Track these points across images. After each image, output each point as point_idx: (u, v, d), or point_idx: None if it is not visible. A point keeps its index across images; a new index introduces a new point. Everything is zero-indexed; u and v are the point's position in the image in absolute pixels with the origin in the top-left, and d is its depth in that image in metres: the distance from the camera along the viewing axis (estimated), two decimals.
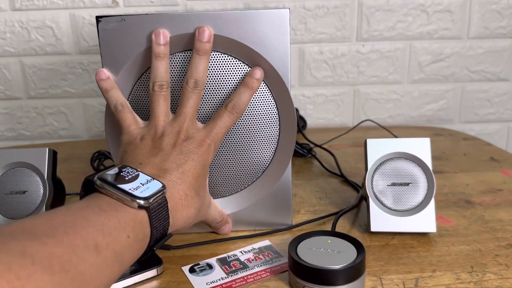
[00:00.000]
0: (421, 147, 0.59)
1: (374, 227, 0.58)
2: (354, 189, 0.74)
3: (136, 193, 0.41)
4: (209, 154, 0.51)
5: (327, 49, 1.06)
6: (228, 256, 0.55)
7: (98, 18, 0.53)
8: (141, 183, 0.42)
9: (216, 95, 0.56)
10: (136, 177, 0.43)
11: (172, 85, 0.55)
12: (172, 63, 0.55)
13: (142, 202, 0.41)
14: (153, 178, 0.44)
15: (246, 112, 0.56)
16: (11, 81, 1.06)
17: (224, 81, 0.55)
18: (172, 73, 0.55)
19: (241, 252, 0.55)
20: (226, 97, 0.56)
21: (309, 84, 1.08)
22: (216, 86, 0.55)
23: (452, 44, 1.07)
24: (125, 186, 0.42)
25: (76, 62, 1.05)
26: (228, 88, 0.55)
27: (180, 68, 0.55)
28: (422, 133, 1.03)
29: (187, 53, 0.55)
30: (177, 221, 0.46)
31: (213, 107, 0.56)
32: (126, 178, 0.42)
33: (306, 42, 1.06)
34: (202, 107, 0.56)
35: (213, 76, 0.55)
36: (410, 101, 1.10)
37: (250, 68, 0.55)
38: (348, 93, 1.09)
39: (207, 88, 0.55)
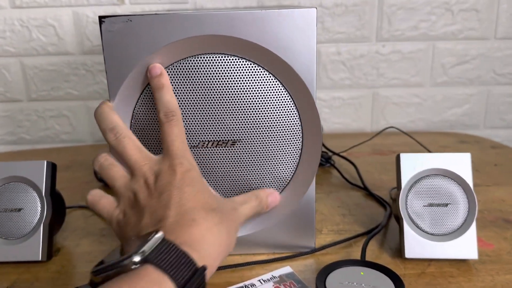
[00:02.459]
0: (461, 163, 0.52)
1: (409, 253, 0.52)
2: (380, 205, 0.67)
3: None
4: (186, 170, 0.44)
5: (345, 49, 1.00)
6: (245, 286, 0.49)
7: (101, 18, 0.47)
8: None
9: (234, 103, 0.50)
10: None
11: (185, 96, 0.49)
12: (184, 68, 0.49)
13: (135, 258, 0.36)
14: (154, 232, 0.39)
15: (264, 123, 0.50)
16: (11, 82, 1.00)
17: (241, 89, 0.49)
18: (185, 80, 0.49)
19: (259, 281, 0.50)
20: (244, 106, 0.50)
21: (326, 87, 1.02)
22: (233, 94, 0.49)
23: (478, 45, 1.01)
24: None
25: (79, 62, 1.00)
26: (246, 96, 0.49)
27: (193, 74, 0.49)
28: (446, 140, 0.96)
29: (200, 57, 0.49)
30: (204, 245, 0.40)
31: (232, 117, 0.50)
32: None
33: (323, 42, 0.99)
34: (220, 119, 0.50)
35: (229, 84, 0.49)
36: (432, 105, 1.04)
37: (270, 75, 0.49)
38: (367, 97, 1.03)
39: (223, 97, 0.49)
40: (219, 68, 0.49)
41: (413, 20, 0.98)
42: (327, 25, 0.98)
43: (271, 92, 0.50)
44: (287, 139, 0.52)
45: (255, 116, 0.50)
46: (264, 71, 0.49)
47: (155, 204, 0.42)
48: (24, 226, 0.54)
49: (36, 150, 1.03)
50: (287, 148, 0.52)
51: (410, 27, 0.99)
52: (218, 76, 0.49)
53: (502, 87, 1.04)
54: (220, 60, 0.49)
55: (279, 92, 0.50)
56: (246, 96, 0.50)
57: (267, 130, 0.51)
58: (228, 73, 0.49)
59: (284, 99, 0.50)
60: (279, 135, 0.51)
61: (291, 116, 0.51)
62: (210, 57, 0.49)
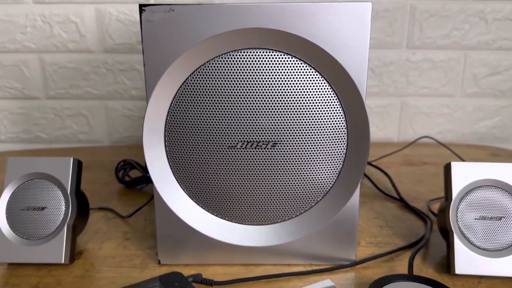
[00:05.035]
0: None
1: (459, 269, 0.48)
2: (418, 217, 0.64)
3: None
4: None
5: (374, 55, 0.97)
6: None
7: (141, 7, 0.44)
8: None
9: (276, 103, 0.46)
10: None
11: (225, 92, 0.46)
12: (225, 63, 0.46)
13: None
14: None
15: (307, 125, 0.47)
16: (29, 79, 0.98)
17: (285, 87, 0.46)
18: (226, 76, 0.46)
19: None
20: (287, 106, 0.47)
21: None
22: (276, 92, 0.46)
23: (511, 56, 0.97)
24: None
25: (100, 61, 0.97)
26: (290, 95, 0.46)
27: (235, 70, 0.46)
28: (477, 153, 0.93)
29: (244, 52, 0.46)
30: None
31: (273, 117, 0.47)
32: None
33: None
34: (261, 118, 0.47)
35: (272, 81, 0.46)
36: (462, 117, 1.01)
37: (316, 73, 0.46)
38: (395, 105, 1.00)
39: (265, 95, 0.46)
40: (263, 64, 0.46)
41: (445, 28, 0.95)
42: None
43: (316, 92, 0.47)
44: (331, 142, 0.48)
45: (298, 117, 0.47)
46: (310, 69, 0.46)
47: None
48: (47, 226, 0.51)
49: (52, 149, 1.00)
50: (330, 152, 0.49)
51: (442, 35, 0.96)
52: (261, 72, 0.46)
53: None
54: (264, 55, 0.46)
55: (326, 91, 0.47)
56: (290, 95, 0.47)
57: (310, 133, 0.48)
58: (272, 69, 0.46)
59: (330, 100, 0.47)
60: (322, 138, 0.48)
61: (337, 118, 0.48)
62: (254, 52, 0.46)
